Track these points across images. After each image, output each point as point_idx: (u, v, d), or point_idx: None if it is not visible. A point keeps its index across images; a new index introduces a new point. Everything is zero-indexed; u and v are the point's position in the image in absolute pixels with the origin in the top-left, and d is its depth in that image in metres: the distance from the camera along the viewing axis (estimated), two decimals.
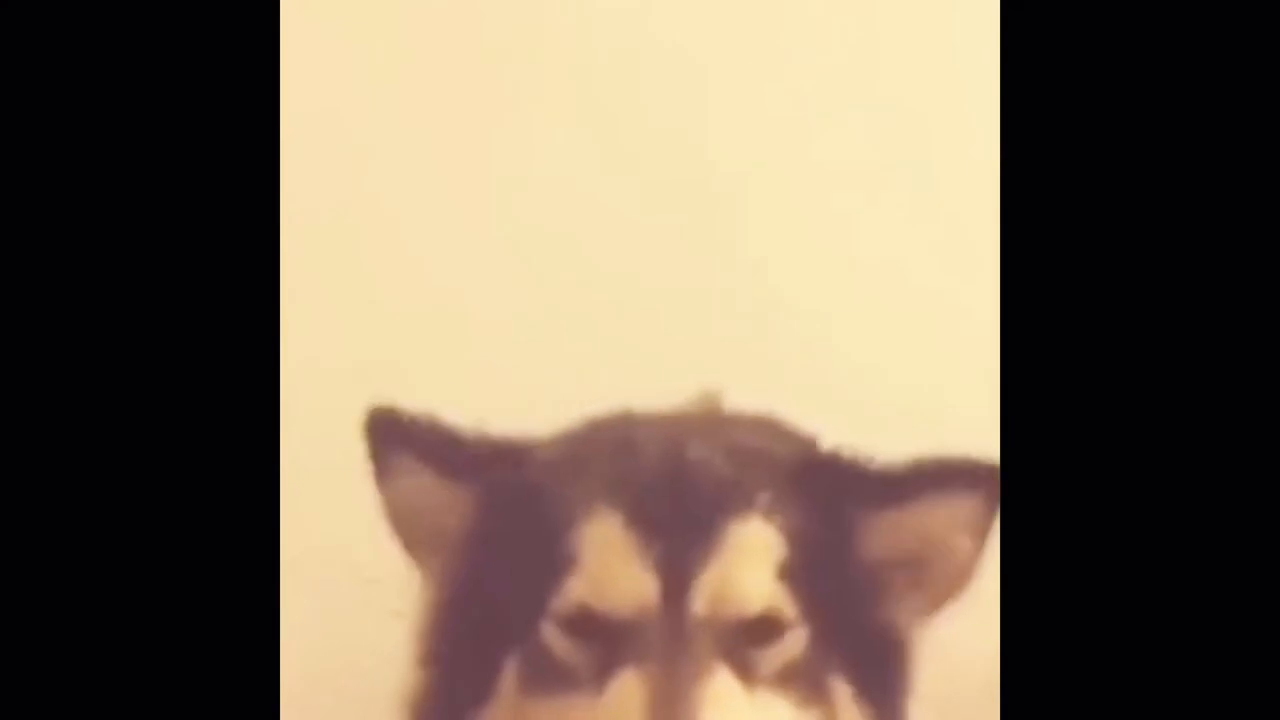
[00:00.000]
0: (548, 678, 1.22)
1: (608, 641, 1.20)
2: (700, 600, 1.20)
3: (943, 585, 1.29)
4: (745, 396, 1.34)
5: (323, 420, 1.57)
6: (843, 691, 1.24)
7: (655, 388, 1.32)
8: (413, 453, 1.29)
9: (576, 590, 1.21)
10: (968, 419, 1.27)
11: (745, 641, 1.21)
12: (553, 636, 1.22)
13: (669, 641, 1.19)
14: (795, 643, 1.23)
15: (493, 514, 1.28)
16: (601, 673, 1.20)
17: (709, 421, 1.32)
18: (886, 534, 1.27)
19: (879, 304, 1.80)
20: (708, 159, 1.81)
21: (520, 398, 1.33)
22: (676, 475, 1.24)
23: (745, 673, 1.21)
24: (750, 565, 1.22)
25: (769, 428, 1.31)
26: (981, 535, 1.27)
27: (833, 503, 1.26)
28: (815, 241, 1.81)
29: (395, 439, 1.30)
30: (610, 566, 1.21)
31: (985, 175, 1.21)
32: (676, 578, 1.20)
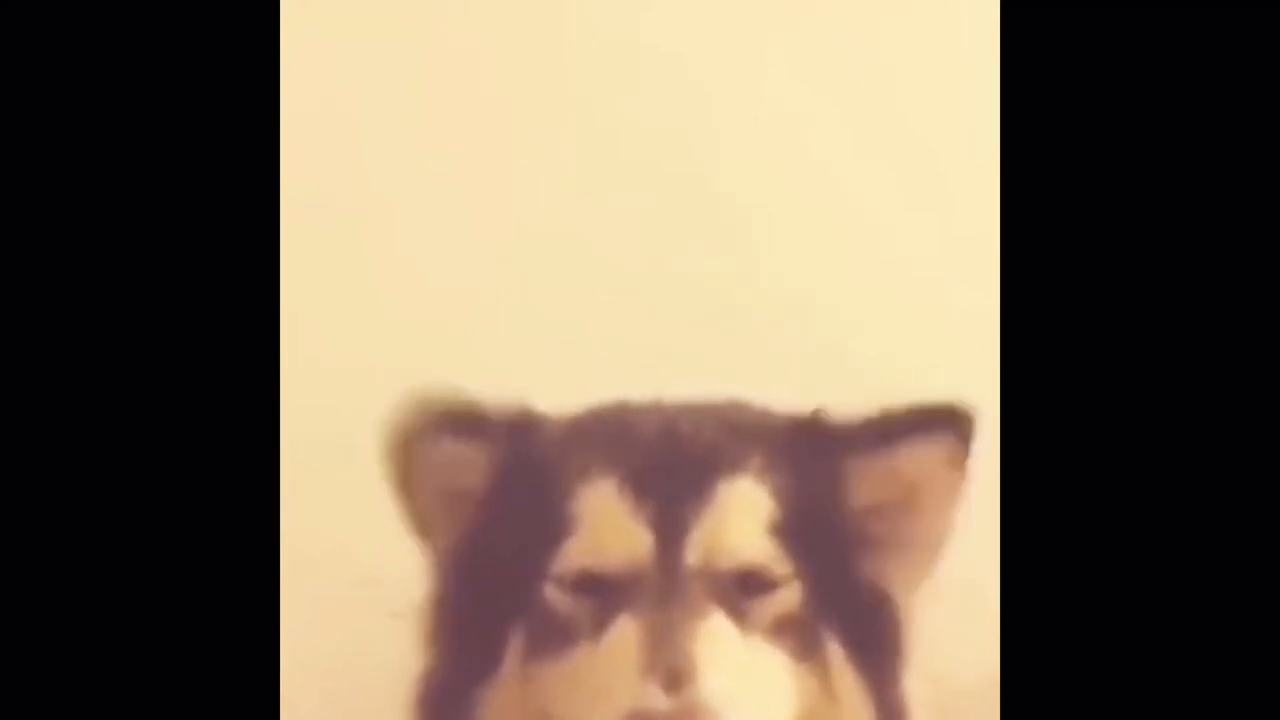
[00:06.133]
0: (551, 639, 1.24)
1: (606, 595, 1.23)
2: (693, 553, 1.23)
3: (925, 539, 1.31)
4: (749, 385, 1.35)
5: (324, 420, 1.58)
6: (837, 651, 1.26)
7: (659, 378, 1.33)
8: (435, 426, 1.31)
9: (575, 551, 1.24)
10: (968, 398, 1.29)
11: (739, 593, 1.23)
12: (554, 596, 1.24)
13: (663, 588, 1.22)
14: (789, 597, 1.25)
15: (502, 481, 1.30)
16: (600, 623, 1.22)
17: (700, 404, 1.34)
18: (871, 480, 1.30)
19: (881, 289, 1.81)
20: (710, 155, 1.82)
21: (522, 391, 1.34)
22: (670, 444, 1.27)
23: (739, 621, 1.23)
24: (741, 520, 1.24)
25: (757, 406, 1.33)
26: (959, 479, 1.30)
27: (820, 457, 1.29)
28: (816, 230, 1.82)
29: (422, 423, 1.31)
30: (606, 526, 1.24)
31: (985, 163, 1.22)
32: (670, 533, 1.23)
